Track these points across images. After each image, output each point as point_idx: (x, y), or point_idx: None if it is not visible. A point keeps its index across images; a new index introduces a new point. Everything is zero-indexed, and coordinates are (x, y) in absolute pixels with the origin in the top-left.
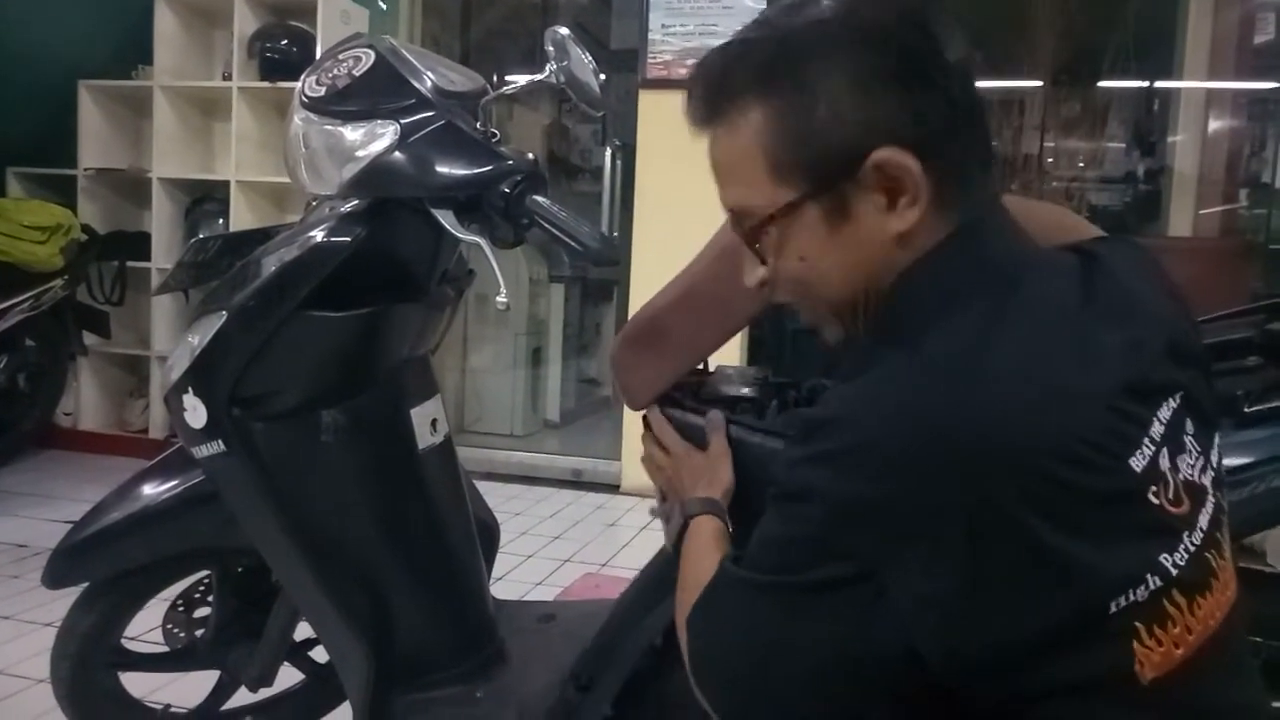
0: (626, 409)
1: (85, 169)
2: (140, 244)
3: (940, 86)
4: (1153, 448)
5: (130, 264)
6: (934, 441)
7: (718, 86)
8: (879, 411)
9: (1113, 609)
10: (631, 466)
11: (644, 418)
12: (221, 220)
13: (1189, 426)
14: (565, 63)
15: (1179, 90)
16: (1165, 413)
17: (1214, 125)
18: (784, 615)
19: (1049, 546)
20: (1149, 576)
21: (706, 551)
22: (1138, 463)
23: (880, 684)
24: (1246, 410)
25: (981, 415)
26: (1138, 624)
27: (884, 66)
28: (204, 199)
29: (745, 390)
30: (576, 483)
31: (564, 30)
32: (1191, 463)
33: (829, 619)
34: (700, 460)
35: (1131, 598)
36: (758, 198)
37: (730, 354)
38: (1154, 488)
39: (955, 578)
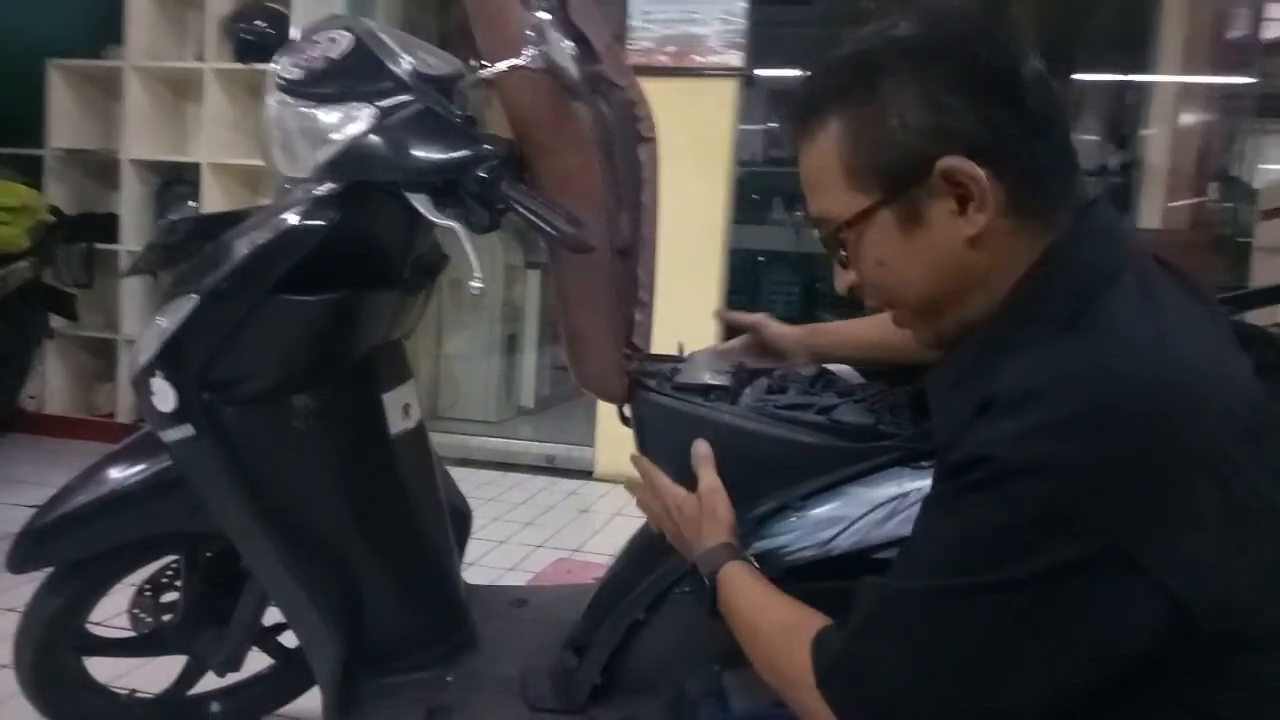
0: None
1: (53, 149)
2: (109, 226)
3: (1014, 97)
4: None
5: (99, 246)
6: (1167, 399)
7: (804, 103)
8: (1097, 375)
9: None
10: (604, 453)
11: (632, 458)
12: (192, 203)
13: None
14: (544, 47)
15: (1152, 84)
16: None
17: (1185, 119)
18: (1011, 614)
19: (1269, 498)
20: None
21: (758, 595)
22: None
23: (1126, 665)
24: None
25: (1193, 377)
26: None
27: (956, 79)
28: (175, 181)
29: (719, 377)
30: (550, 469)
31: (544, 15)
32: None
33: (1070, 605)
34: (694, 502)
35: None
36: (837, 205)
37: (706, 340)
38: None
39: (1210, 532)
